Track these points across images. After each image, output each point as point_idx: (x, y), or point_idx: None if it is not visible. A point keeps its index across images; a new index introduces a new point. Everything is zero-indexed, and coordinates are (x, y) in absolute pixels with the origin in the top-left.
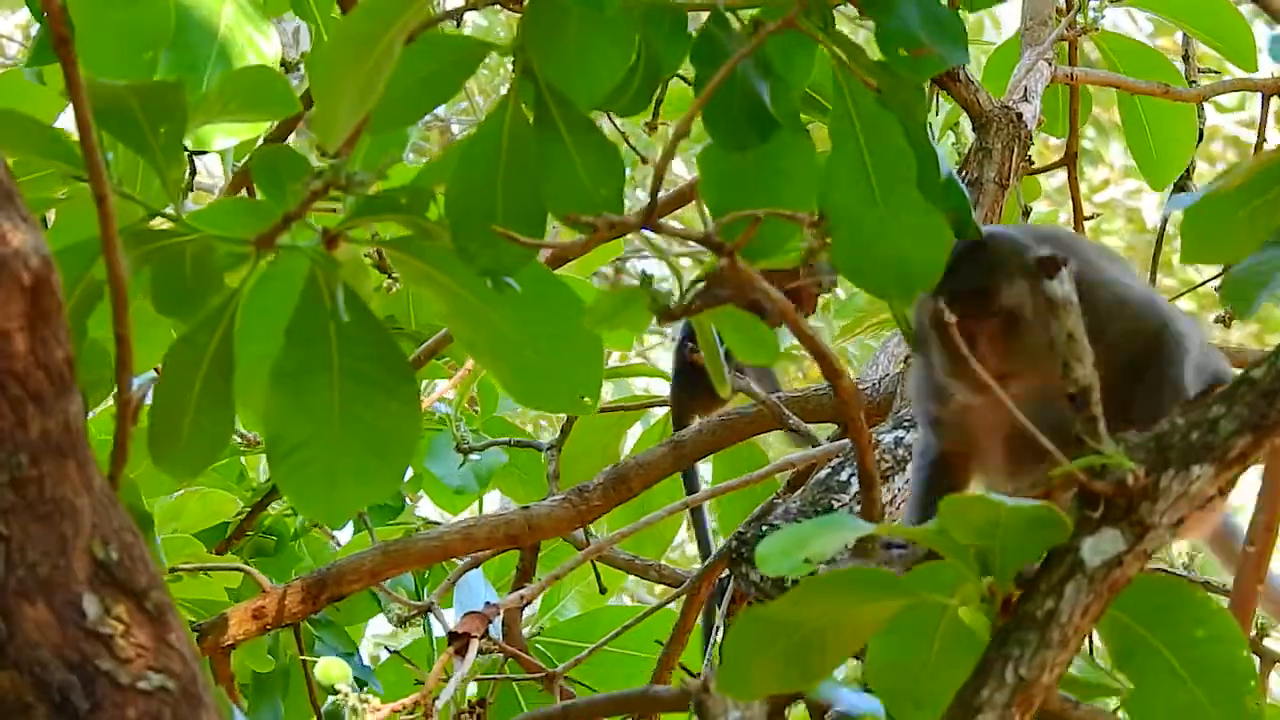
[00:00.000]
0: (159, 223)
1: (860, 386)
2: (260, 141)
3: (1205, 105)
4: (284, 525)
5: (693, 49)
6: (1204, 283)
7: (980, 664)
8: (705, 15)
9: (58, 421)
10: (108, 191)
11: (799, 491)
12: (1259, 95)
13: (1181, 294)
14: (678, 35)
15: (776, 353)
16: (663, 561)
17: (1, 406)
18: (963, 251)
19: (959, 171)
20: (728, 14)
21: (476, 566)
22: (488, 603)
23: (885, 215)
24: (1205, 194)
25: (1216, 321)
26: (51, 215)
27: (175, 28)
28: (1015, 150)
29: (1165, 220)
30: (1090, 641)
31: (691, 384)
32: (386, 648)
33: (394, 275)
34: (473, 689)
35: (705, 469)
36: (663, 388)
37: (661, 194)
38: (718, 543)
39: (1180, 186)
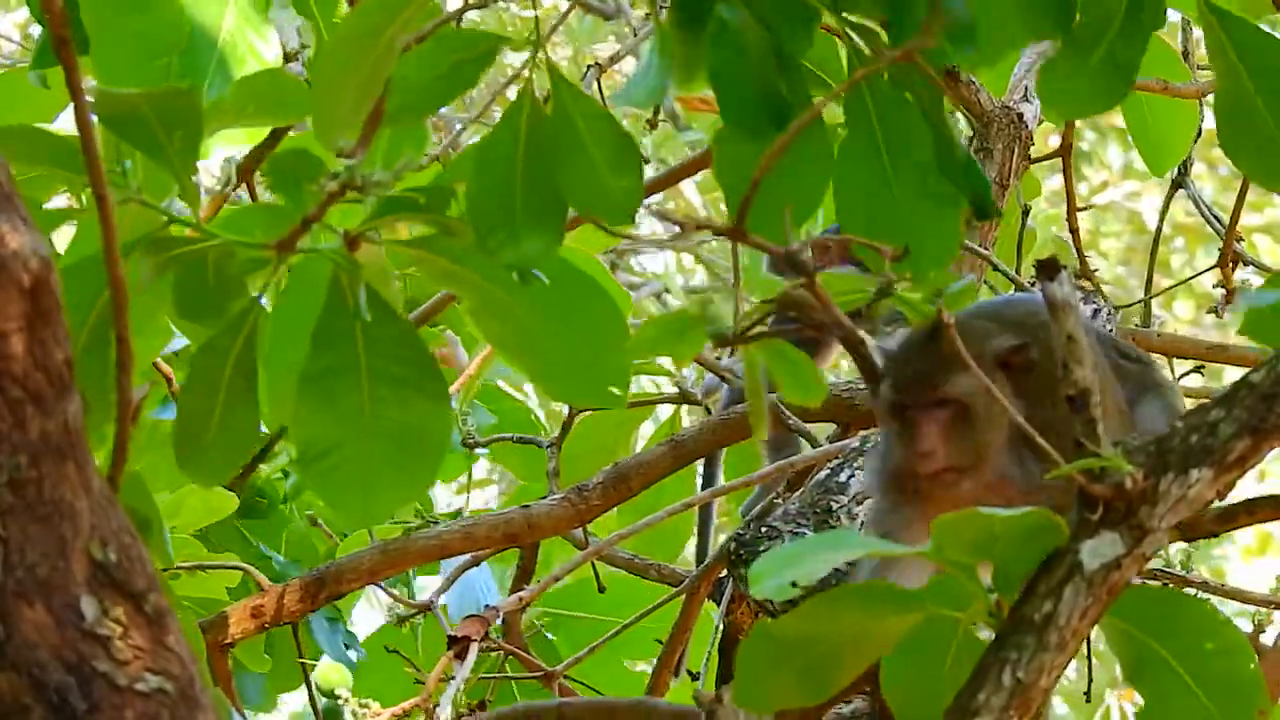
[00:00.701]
0: (179, 229)
1: None
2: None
3: (1209, 104)
4: (274, 488)
5: (711, 42)
6: (1194, 275)
7: (978, 667)
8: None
9: (57, 423)
10: (107, 191)
11: (798, 492)
12: None
13: (1173, 286)
14: (697, 25)
15: (823, 395)
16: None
17: (1, 408)
18: (921, 338)
19: None
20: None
21: (477, 565)
22: (487, 605)
23: (899, 196)
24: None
25: (1209, 312)
26: (72, 227)
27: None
28: (1016, 151)
29: (1162, 220)
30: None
31: None
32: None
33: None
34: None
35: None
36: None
37: (650, 174)
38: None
39: (1178, 183)
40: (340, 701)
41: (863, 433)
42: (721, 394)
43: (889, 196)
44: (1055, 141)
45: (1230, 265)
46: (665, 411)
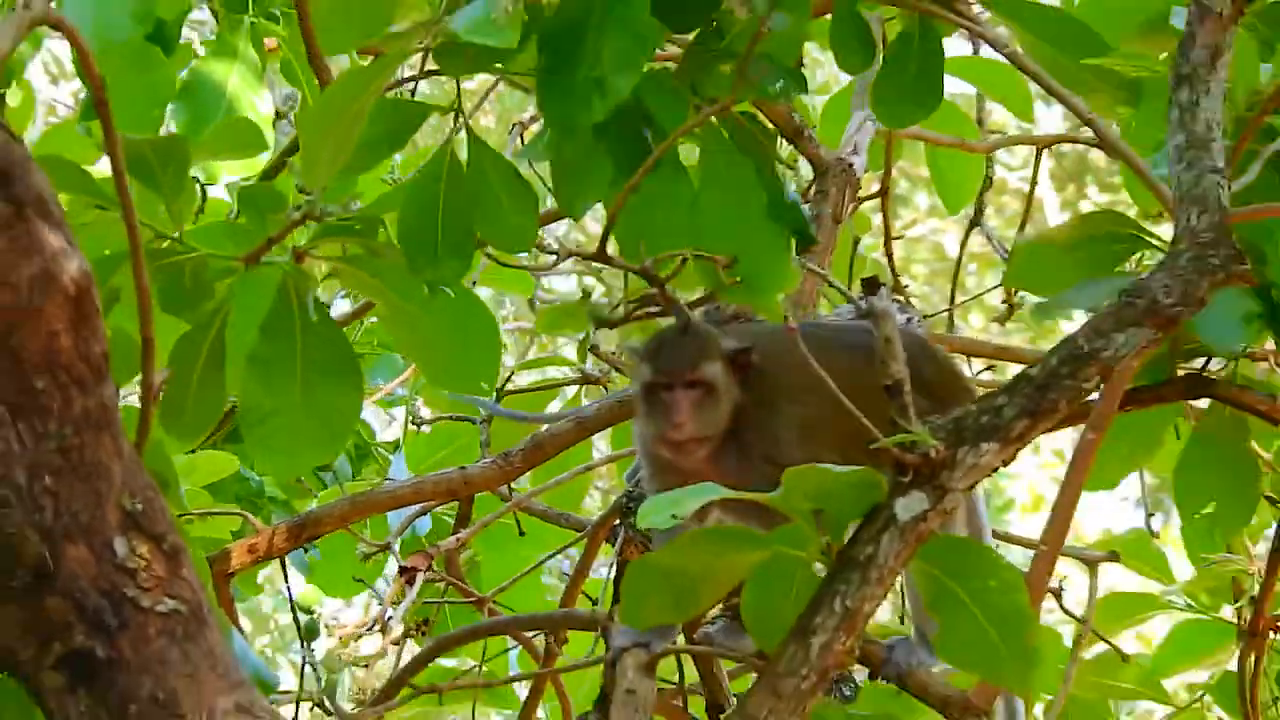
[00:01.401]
0: (164, 242)
1: None
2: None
3: (996, 158)
4: None
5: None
6: (984, 292)
7: (814, 597)
8: None
9: (96, 401)
10: (136, 221)
11: None
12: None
13: (968, 300)
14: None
15: None
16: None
17: (52, 390)
18: (671, 336)
19: None
20: None
21: (425, 514)
22: (428, 537)
23: (744, 230)
24: (1041, 236)
25: (994, 321)
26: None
27: (192, 88)
28: (847, 193)
29: (963, 249)
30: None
31: None
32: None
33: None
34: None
35: None
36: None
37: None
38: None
39: (975, 221)
40: (315, 617)
41: None
42: None
43: (737, 230)
44: (876, 186)
45: (1013, 289)
46: (570, 392)
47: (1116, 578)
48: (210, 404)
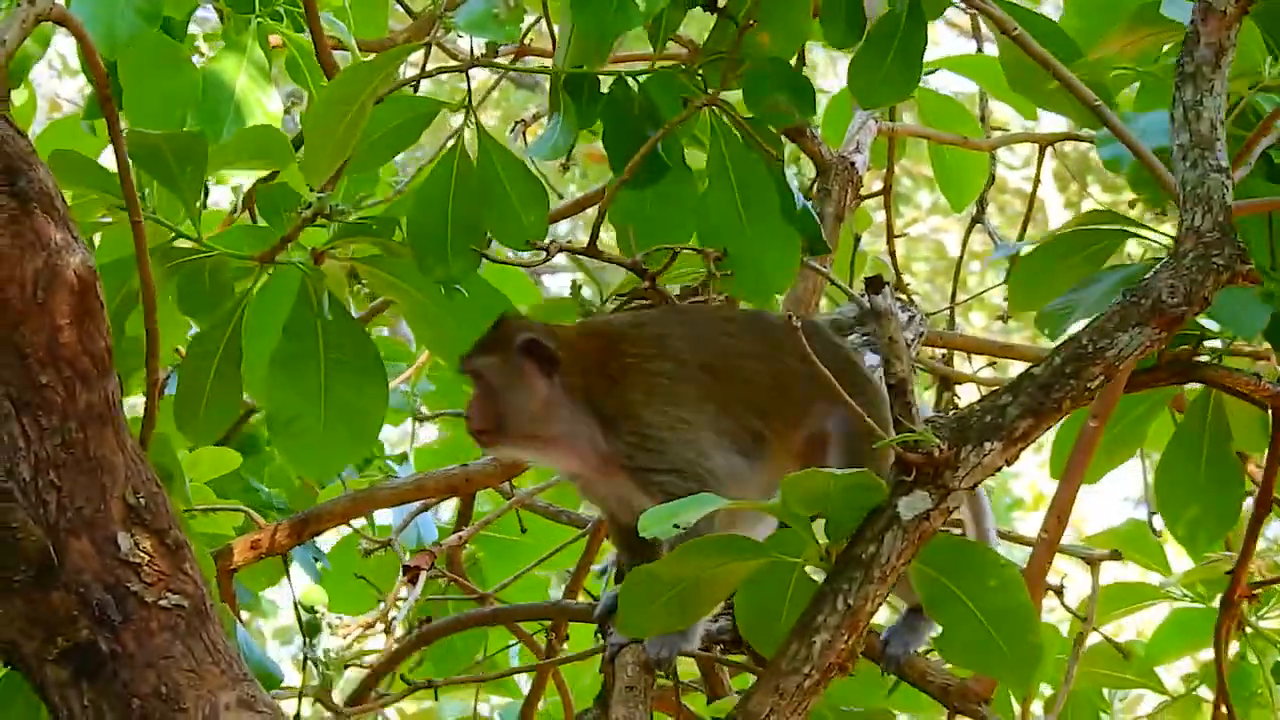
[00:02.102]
0: (183, 242)
1: None
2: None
3: (999, 157)
4: (261, 433)
5: (603, 109)
6: (986, 290)
7: (816, 595)
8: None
9: (99, 396)
10: (141, 218)
11: None
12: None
13: (970, 298)
14: (594, 97)
15: None
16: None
17: (56, 384)
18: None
19: None
20: (629, 79)
21: (427, 510)
22: (435, 541)
23: (750, 235)
24: (1031, 251)
25: (995, 319)
26: (97, 238)
27: (201, 91)
28: (849, 191)
29: (964, 248)
30: None
31: None
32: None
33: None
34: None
35: None
36: None
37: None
38: None
39: (976, 219)
40: (318, 615)
41: None
42: None
43: (742, 231)
44: (877, 185)
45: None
46: None
47: (1115, 571)
48: (226, 404)
